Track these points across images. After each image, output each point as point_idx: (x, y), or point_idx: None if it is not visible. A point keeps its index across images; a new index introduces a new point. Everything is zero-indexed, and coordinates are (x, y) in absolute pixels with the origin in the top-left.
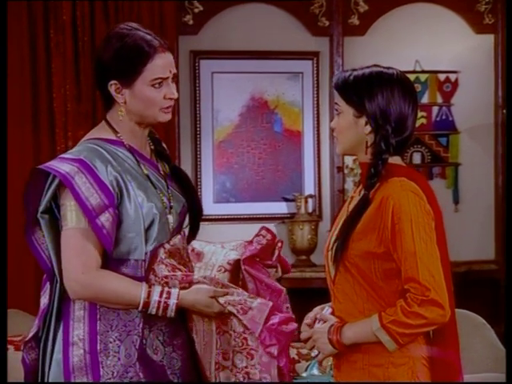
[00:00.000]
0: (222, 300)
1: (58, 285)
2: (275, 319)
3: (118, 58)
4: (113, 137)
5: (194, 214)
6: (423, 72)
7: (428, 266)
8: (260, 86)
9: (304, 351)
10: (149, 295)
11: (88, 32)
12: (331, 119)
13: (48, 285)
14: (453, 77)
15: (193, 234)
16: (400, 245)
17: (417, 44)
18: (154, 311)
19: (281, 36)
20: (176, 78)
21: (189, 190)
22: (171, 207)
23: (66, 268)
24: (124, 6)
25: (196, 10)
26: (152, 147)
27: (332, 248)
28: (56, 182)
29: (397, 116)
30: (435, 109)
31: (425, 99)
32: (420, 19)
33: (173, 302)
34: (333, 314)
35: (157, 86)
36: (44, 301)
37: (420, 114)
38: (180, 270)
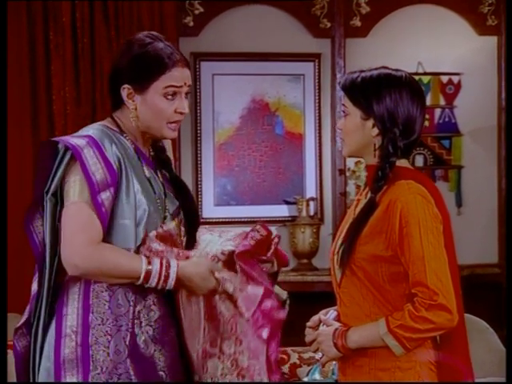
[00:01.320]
0: (218, 275)
1: (47, 271)
2: (268, 303)
3: (135, 63)
4: (117, 130)
5: (191, 225)
6: (425, 74)
7: (436, 270)
8: (261, 88)
9: (306, 356)
10: (149, 264)
11: (88, 34)
12: (333, 121)
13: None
14: (455, 79)
15: (189, 244)
16: (408, 248)
17: (419, 46)
18: (154, 282)
19: (282, 38)
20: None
21: (187, 201)
22: (166, 209)
23: (69, 242)
24: (124, 8)
25: (196, 12)
26: (152, 153)
27: (338, 251)
28: (67, 157)
29: (405, 119)
30: (438, 111)
31: (427, 101)
32: (422, 21)
33: (173, 270)
34: (338, 317)
35: (169, 97)
36: (34, 287)
37: None
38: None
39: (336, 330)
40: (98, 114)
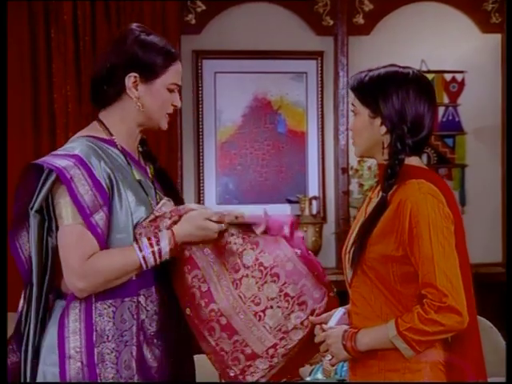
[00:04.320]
0: (215, 218)
1: (34, 289)
2: (275, 218)
3: (148, 51)
4: (105, 136)
5: None
6: (429, 72)
7: (445, 271)
8: (263, 86)
9: None
10: (141, 251)
11: (89, 32)
12: (336, 120)
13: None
14: (459, 77)
15: None
16: (417, 249)
17: (422, 43)
18: (151, 262)
19: (284, 35)
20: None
21: (173, 192)
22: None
23: (66, 265)
24: (126, 6)
25: (198, 9)
26: (140, 149)
27: (350, 251)
28: (51, 178)
29: (412, 116)
30: (441, 109)
31: None
32: (426, 18)
33: (164, 244)
34: (349, 315)
35: (171, 91)
36: (21, 303)
37: None
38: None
39: (345, 331)
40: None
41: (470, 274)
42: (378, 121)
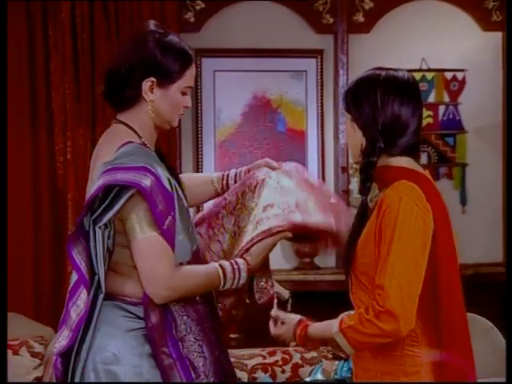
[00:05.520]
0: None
1: (101, 295)
2: None
3: (167, 57)
4: (138, 141)
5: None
6: (429, 70)
7: (397, 275)
8: (263, 85)
9: (308, 356)
10: (224, 276)
11: (87, 29)
12: (335, 118)
13: (82, 295)
14: (460, 75)
15: None
16: (379, 249)
17: (423, 42)
18: (229, 287)
19: (284, 34)
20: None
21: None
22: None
23: (151, 276)
24: (124, 4)
25: (197, 8)
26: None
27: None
28: (128, 194)
29: (384, 119)
30: (442, 108)
31: (431, 98)
32: (426, 16)
33: (243, 274)
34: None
35: (184, 93)
36: (78, 311)
37: (426, 113)
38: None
39: (301, 320)
40: (97, 111)
41: (458, 275)
42: (356, 125)
